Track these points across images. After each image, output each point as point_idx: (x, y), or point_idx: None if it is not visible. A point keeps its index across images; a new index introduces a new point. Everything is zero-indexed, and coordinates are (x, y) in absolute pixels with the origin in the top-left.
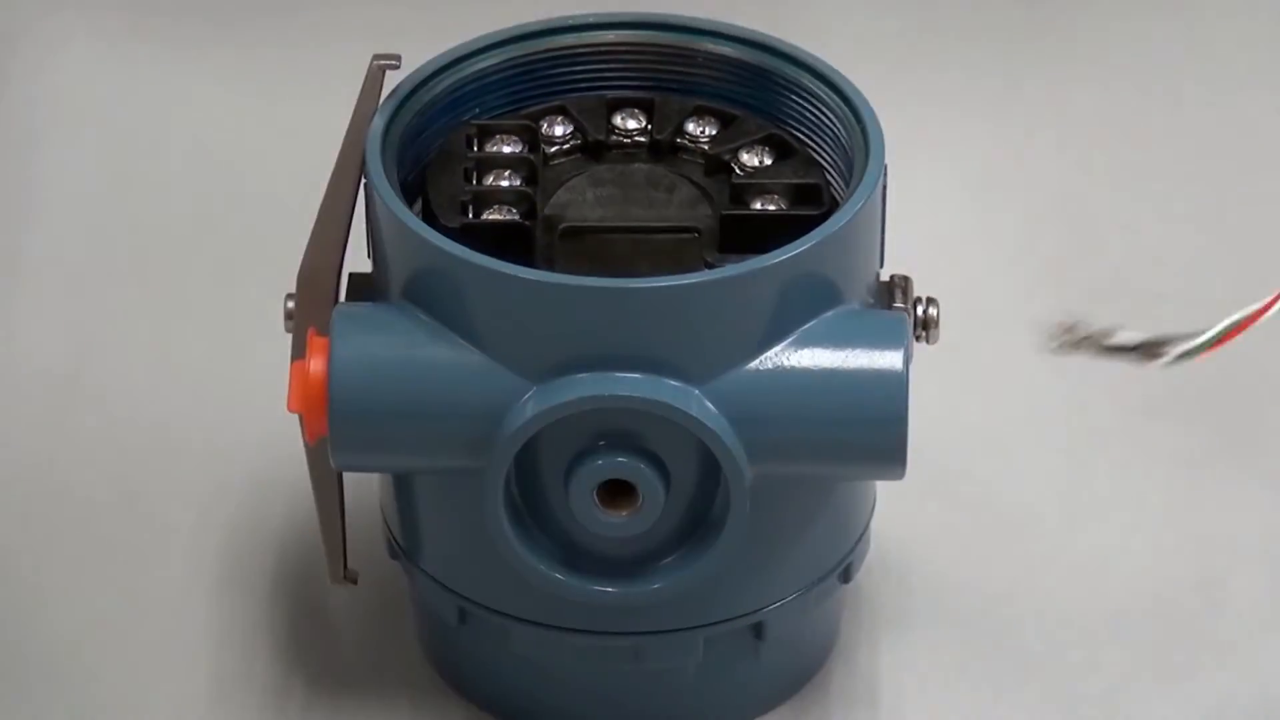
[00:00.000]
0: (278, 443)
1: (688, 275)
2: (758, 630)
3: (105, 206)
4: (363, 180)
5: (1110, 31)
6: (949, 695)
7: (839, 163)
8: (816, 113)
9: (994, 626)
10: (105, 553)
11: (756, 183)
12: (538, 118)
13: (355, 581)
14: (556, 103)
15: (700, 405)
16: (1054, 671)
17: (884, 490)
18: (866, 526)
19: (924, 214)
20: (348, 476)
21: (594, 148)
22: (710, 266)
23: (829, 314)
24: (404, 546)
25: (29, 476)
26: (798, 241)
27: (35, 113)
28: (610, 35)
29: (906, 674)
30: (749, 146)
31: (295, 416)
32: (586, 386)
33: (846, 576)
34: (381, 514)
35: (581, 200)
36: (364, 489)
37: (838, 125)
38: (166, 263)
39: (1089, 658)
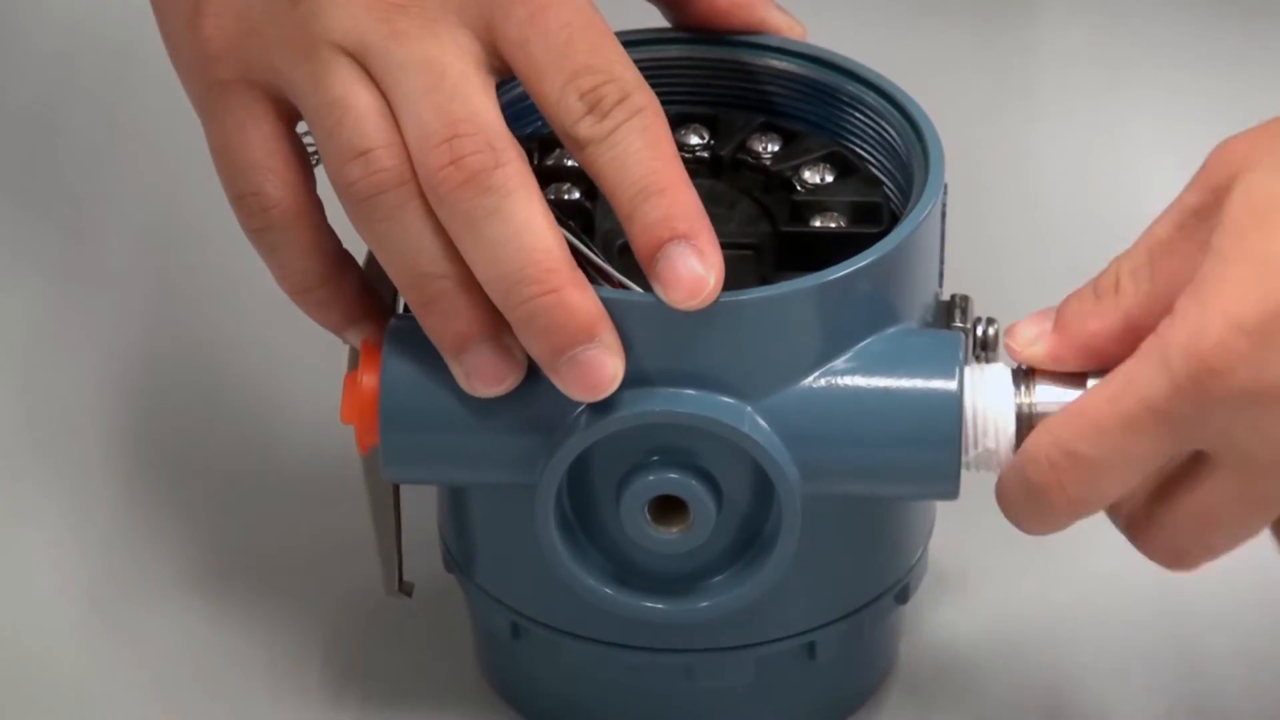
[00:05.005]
0: (338, 453)
1: (742, 292)
2: (810, 650)
3: (164, 217)
4: None
5: (1158, 43)
6: (1008, 718)
7: (900, 180)
8: (878, 129)
9: (1056, 648)
10: (158, 565)
11: (817, 200)
12: None
13: (410, 594)
14: None
15: (753, 423)
16: (1117, 693)
17: (944, 511)
18: (924, 547)
19: (987, 232)
20: (410, 489)
21: None
22: (768, 284)
23: (885, 333)
24: (459, 560)
25: (79, 487)
26: (853, 259)
27: (105, 121)
28: (673, 51)
29: (965, 697)
30: (810, 164)
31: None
32: (639, 402)
33: (903, 597)
34: (438, 527)
35: None
36: (425, 501)
37: (899, 142)
38: (225, 274)
39: (1152, 679)
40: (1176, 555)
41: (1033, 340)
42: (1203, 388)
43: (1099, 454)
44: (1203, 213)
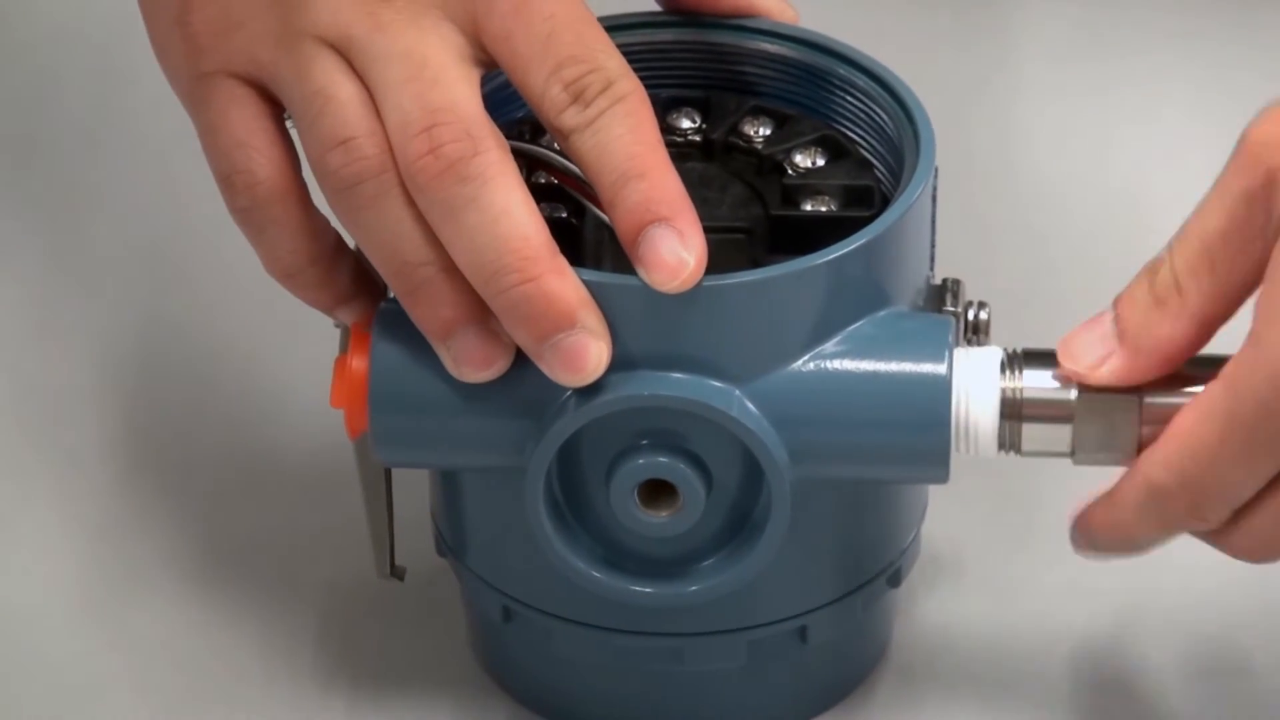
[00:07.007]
0: (331, 439)
1: (731, 275)
2: (802, 634)
3: (155, 207)
4: None
5: (1146, 24)
6: (1002, 702)
7: (891, 163)
8: (869, 113)
9: (1049, 630)
10: (151, 551)
11: (808, 184)
12: None
13: (402, 578)
14: None
15: (741, 406)
16: (1111, 672)
17: (937, 493)
18: (917, 530)
19: (979, 216)
20: (402, 473)
21: None
22: (758, 267)
23: (876, 316)
24: (451, 544)
25: (71, 476)
26: (842, 243)
27: (97, 111)
28: (665, 34)
29: (958, 681)
30: (802, 147)
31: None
32: (627, 385)
33: (895, 580)
34: (430, 511)
35: None
36: (417, 485)
37: (890, 125)
38: (216, 263)
39: (1148, 657)
40: (1266, 550)
41: (1099, 361)
42: None
43: (1230, 485)
44: (1254, 197)
